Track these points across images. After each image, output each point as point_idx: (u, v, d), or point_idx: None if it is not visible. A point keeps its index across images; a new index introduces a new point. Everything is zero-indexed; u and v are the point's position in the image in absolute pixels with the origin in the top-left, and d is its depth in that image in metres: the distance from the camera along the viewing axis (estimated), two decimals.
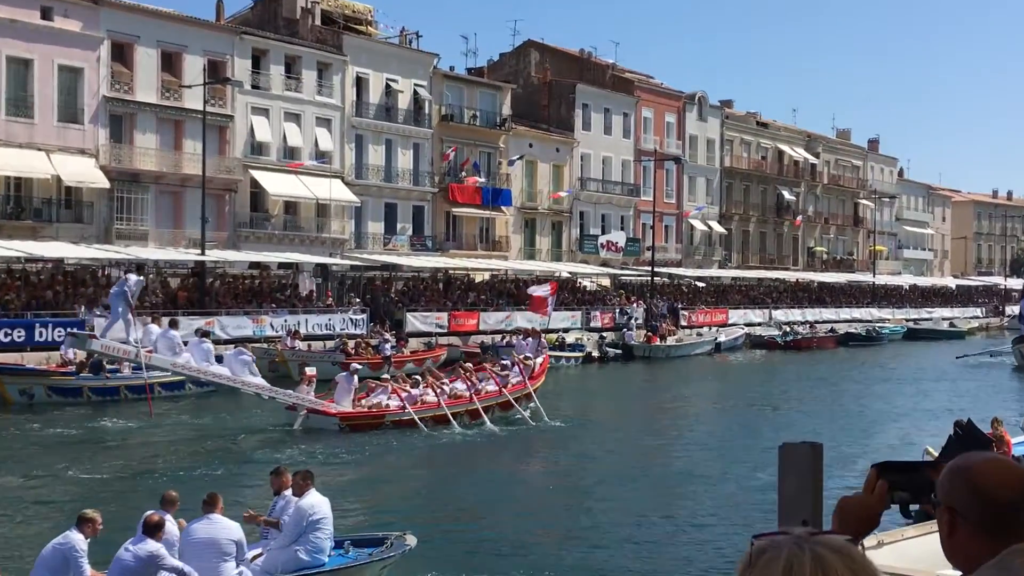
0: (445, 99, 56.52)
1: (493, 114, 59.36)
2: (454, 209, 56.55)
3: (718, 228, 75.18)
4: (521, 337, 34.28)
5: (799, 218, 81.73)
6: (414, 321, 43.48)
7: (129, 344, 23.94)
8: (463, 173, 56.91)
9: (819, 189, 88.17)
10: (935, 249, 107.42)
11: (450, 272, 52.97)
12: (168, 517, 10.09)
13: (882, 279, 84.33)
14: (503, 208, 59.10)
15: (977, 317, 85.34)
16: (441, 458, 21.36)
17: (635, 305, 54.18)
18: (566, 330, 48.29)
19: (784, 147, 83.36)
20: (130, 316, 25.74)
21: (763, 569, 1.66)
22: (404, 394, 24.16)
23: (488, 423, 24.46)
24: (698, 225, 73.30)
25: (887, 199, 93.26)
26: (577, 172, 65.04)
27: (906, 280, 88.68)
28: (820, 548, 1.66)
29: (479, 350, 41.99)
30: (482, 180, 56.96)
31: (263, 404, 25.09)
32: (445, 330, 44.21)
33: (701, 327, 57.76)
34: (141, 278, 28.90)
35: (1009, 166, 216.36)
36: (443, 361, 37.57)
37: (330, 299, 44.47)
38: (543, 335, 33.20)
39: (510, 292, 52.15)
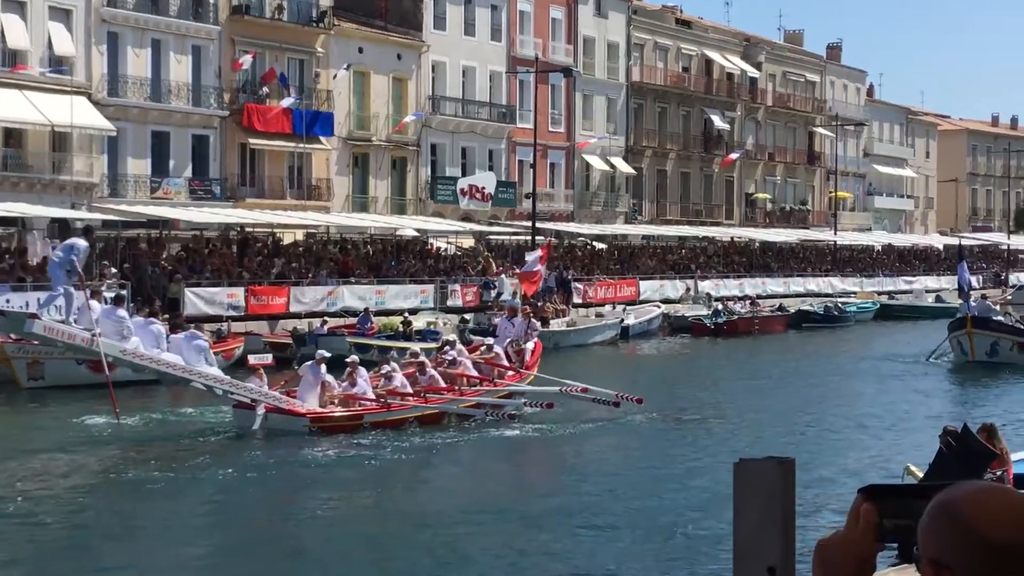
0: None
1: (307, 5, 58.79)
2: (252, 141, 55.98)
3: (624, 168, 76.16)
4: (505, 317, 35.80)
5: (734, 154, 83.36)
6: (195, 300, 42.88)
7: (73, 327, 26.09)
8: (265, 90, 56.35)
9: (761, 113, 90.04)
10: (916, 196, 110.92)
11: (247, 230, 52.37)
12: None
13: (847, 237, 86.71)
14: (322, 140, 58.68)
15: (972, 288, 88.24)
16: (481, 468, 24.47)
17: (502, 275, 54.48)
18: (413, 311, 48.25)
19: (714, 55, 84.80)
20: (73, 291, 27.33)
21: None
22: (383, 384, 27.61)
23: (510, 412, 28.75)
24: (596, 163, 74.04)
25: (852, 127, 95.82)
26: (427, 89, 64.92)
27: (878, 239, 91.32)
28: None
29: (291, 340, 41.63)
30: (292, 99, 56.42)
31: (204, 400, 28.11)
32: (241, 312, 43.76)
33: (602, 305, 58.40)
34: (86, 244, 30.21)
35: (1013, 84, 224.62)
36: (238, 356, 37.17)
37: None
38: (529, 313, 35.81)
39: (333, 258, 51.74)
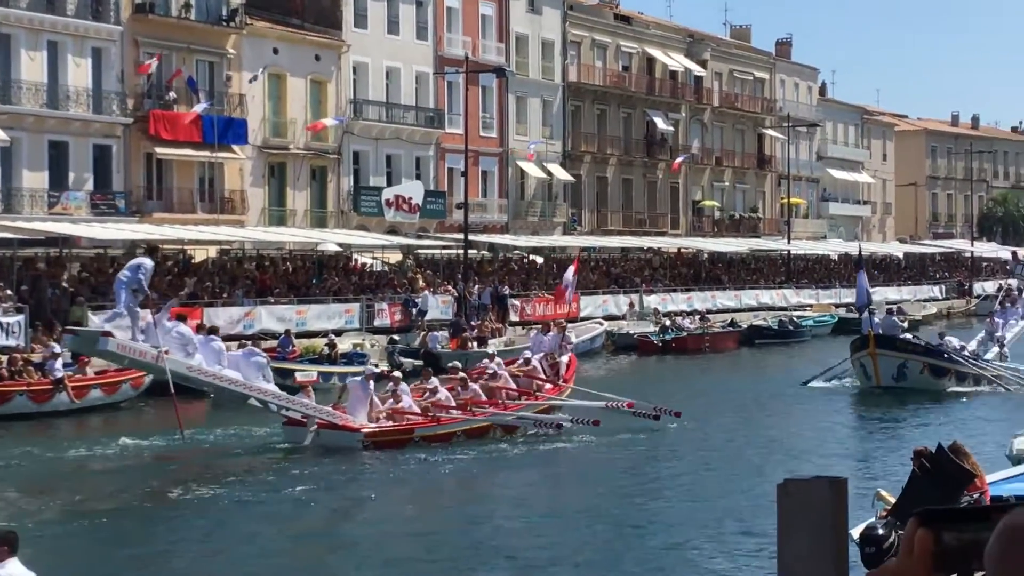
0: None
1: (217, 3, 58.56)
2: (159, 150, 55.64)
3: (562, 175, 76.35)
4: (540, 330, 39.01)
5: (679, 159, 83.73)
6: (101, 323, 42.46)
7: (142, 344, 28.22)
8: (172, 95, 56.05)
9: (707, 115, 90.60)
10: (873, 201, 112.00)
11: (155, 247, 51.88)
12: None
13: (800, 246, 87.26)
14: (235, 148, 58.42)
15: (935, 299, 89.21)
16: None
17: (426, 293, 54.38)
18: (337, 332, 48.05)
19: (656, 52, 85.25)
20: (138, 310, 29.19)
21: None
22: (433, 398, 30.04)
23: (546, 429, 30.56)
24: (532, 170, 74.15)
25: (804, 129, 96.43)
26: (348, 91, 64.83)
27: (834, 247, 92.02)
28: None
29: None
30: (203, 105, 56.11)
31: (253, 416, 30.92)
32: None
33: (540, 322, 58.33)
34: (152, 263, 32.35)
35: (973, 81, 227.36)
36: (148, 384, 36.94)
37: None
38: (564, 327, 38.57)
39: (250, 276, 51.47)
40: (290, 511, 23.42)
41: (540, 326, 40.90)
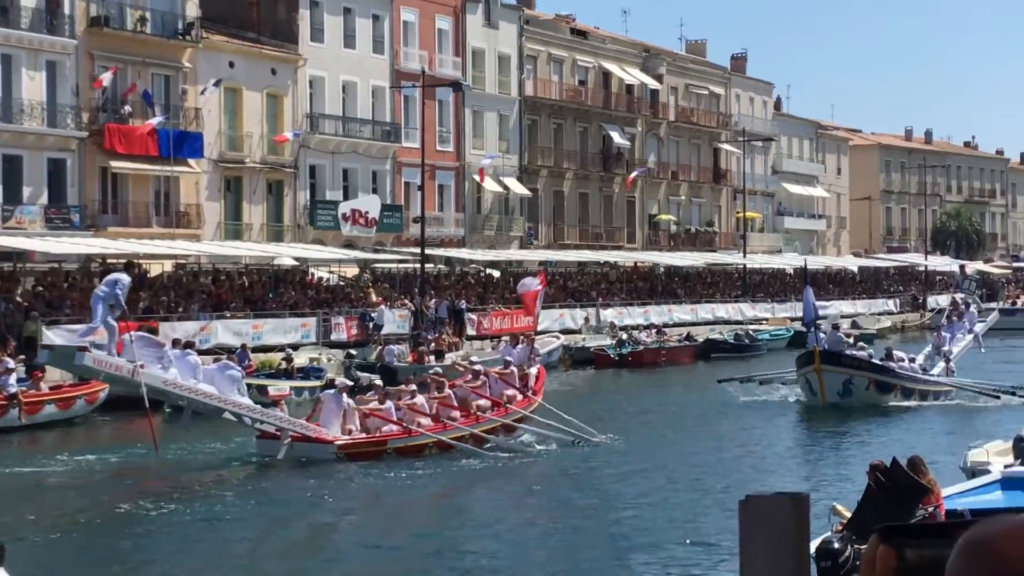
0: None
1: (173, 16, 58.42)
2: (114, 164, 55.42)
3: (518, 189, 76.42)
4: (509, 342, 39.22)
5: (635, 173, 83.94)
6: (55, 338, 42.24)
7: (118, 359, 28.73)
8: (127, 108, 55.85)
9: (663, 129, 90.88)
10: (828, 215, 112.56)
11: (110, 262, 51.72)
12: None
13: (756, 260, 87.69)
14: (191, 162, 58.22)
15: (890, 313, 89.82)
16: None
17: (382, 307, 54.37)
18: (294, 346, 47.97)
19: (612, 67, 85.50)
20: (115, 324, 29.73)
21: None
22: (399, 413, 30.37)
23: (511, 443, 31.74)
24: (489, 185, 74.19)
25: (760, 143, 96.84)
26: (304, 106, 64.73)
27: (790, 261, 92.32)
28: None
29: None
30: (158, 119, 55.92)
31: (224, 430, 31.24)
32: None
33: (498, 336, 58.38)
34: (129, 279, 33.00)
35: (926, 96, 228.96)
36: (104, 399, 36.80)
37: None
38: (533, 340, 39.37)
39: (206, 291, 51.33)
40: (263, 524, 23.55)
41: (509, 338, 41.23)
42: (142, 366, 28.56)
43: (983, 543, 1.99)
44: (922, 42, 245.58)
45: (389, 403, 30.58)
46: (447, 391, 31.81)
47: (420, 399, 31.12)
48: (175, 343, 32.87)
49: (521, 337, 39.84)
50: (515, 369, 34.32)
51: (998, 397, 41.50)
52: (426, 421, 30.78)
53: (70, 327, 43.28)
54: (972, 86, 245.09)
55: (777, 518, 2.61)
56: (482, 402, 32.48)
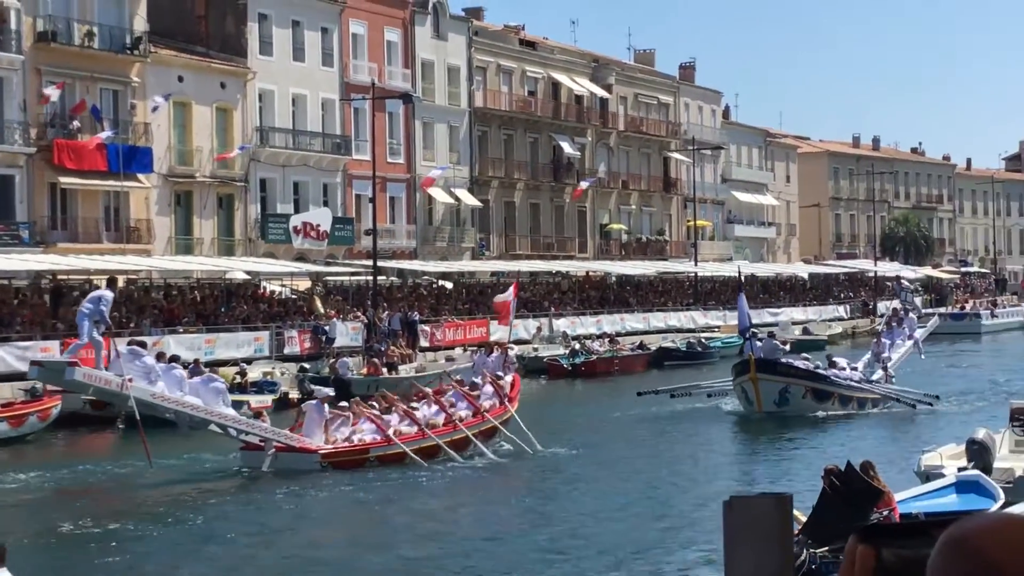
0: (42, 7, 55.08)
1: (120, 31, 58.20)
2: (63, 179, 55.17)
3: (469, 200, 76.47)
4: (484, 352, 39.11)
5: (585, 183, 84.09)
6: (5, 356, 42.13)
7: (107, 373, 29.22)
8: (75, 124, 55.64)
9: (613, 138, 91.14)
10: (778, 223, 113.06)
11: (60, 278, 51.46)
12: None
13: (707, 268, 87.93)
14: (141, 177, 57.99)
15: (840, 319, 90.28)
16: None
17: (335, 320, 54.35)
18: (247, 361, 47.80)
19: (561, 77, 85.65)
20: (101, 340, 30.21)
21: None
22: (380, 422, 30.82)
23: (487, 452, 31.95)
24: (440, 196, 74.19)
25: (709, 152, 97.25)
26: (254, 119, 64.60)
27: (740, 269, 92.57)
28: None
29: None
30: (107, 134, 55.69)
31: (209, 442, 31.61)
32: None
33: (451, 347, 58.38)
34: (112, 294, 33.32)
35: (872, 103, 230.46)
36: (56, 416, 36.62)
37: None
38: (506, 347, 39.01)
39: (157, 306, 51.13)
40: (250, 535, 23.65)
41: (483, 347, 41.97)
42: (131, 380, 29.02)
43: (964, 540, 2.03)
44: (869, 50, 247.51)
45: (394, 414, 31.30)
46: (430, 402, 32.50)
47: (391, 415, 31.51)
48: (159, 357, 33.32)
49: (495, 345, 40.11)
50: (486, 385, 34.55)
51: (914, 407, 41.50)
52: (408, 429, 31.16)
53: (21, 343, 43.16)
54: (919, 93, 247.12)
55: (761, 519, 2.67)
56: (463, 412, 32.78)
